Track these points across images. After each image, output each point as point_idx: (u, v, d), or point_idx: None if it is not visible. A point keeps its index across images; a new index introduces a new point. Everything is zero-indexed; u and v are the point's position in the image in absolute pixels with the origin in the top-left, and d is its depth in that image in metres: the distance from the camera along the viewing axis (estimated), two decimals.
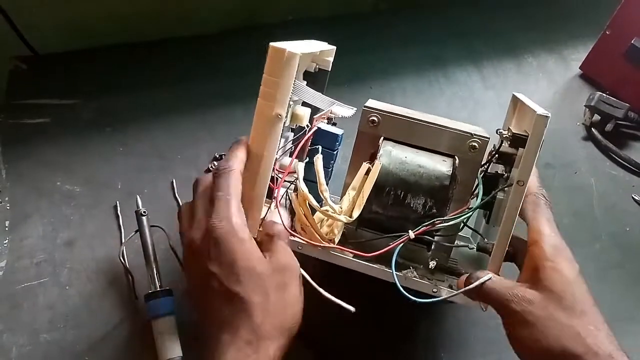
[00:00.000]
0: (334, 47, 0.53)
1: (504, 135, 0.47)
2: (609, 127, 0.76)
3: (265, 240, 0.43)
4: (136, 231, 0.58)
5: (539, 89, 0.83)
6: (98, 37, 0.77)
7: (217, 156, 0.68)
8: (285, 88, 0.42)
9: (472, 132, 0.48)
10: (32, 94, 0.72)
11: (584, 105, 0.77)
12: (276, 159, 0.46)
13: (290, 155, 0.49)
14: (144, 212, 0.59)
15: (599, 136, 0.75)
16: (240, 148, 0.44)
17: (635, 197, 0.71)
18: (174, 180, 0.65)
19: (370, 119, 0.50)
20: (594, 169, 0.73)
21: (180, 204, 0.64)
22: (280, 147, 0.46)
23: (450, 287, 0.45)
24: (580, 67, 0.84)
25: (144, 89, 0.74)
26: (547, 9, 0.92)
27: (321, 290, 0.42)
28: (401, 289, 0.42)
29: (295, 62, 0.42)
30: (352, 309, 0.42)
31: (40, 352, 0.53)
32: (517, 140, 0.45)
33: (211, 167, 0.67)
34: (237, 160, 0.43)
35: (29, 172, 0.65)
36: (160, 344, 0.52)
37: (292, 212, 0.48)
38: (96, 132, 0.69)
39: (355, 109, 0.52)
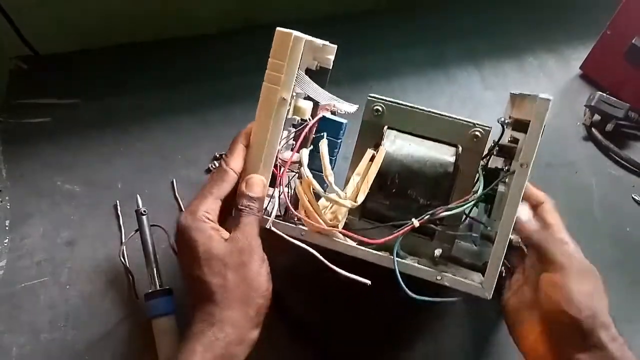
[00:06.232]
0: (335, 46, 0.53)
1: (506, 121, 0.46)
2: (609, 127, 0.76)
3: (235, 215, 0.45)
4: (136, 231, 0.58)
5: (539, 89, 0.83)
6: (98, 37, 0.77)
7: (217, 156, 0.68)
8: (291, 71, 0.44)
9: (475, 122, 0.48)
10: (32, 94, 0.71)
11: (584, 105, 0.77)
12: (278, 150, 0.46)
13: (293, 148, 0.49)
14: (144, 211, 0.59)
15: (599, 136, 0.75)
16: (237, 146, 0.46)
17: (635, 197, 0.71)
18: (174, 180, 0.65)
19: (375, 108, 0.50)
20: (594, 169, 0.73)
21: (181, 203, 0.64)
22: (282, 137, 0.46)
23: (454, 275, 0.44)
24: (581, 67, 0.84)
25: (144, 89, 0.74)
26: (547, 8, 0.92)
27: (334, 267, 0.42)
28: (399, 276, 0.42)
29: (301, 45, 0.43)
30: (367, 282, 0.42)
31: (40, 352, 0.53)
32: (520, 125, 0.44)
33: (211, 167, 0.67)
34: (232, 158, 0.46)
35: (29, 172, 0.65)
36: (160, 343, 0.52)
37: (295, 200, 0.48)
38: (96, 132, 0.69)
39: (357, 105, 0.52)
